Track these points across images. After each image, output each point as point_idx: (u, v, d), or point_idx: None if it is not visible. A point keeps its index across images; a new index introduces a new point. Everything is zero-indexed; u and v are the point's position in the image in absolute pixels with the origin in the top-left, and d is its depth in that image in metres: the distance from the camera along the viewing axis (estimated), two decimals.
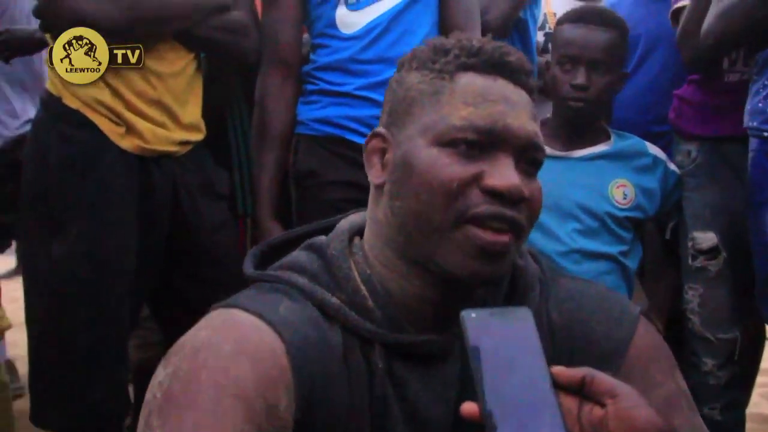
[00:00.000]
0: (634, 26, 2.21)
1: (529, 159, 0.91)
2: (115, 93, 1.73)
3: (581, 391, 0.74)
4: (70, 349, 1.72)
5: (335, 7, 1.87)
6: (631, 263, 1.87)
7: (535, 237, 1.81)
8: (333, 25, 1.88)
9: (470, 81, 0.91)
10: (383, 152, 0.96)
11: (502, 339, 0.74)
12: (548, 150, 1.83)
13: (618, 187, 1.84)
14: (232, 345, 0.83)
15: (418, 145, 0.90)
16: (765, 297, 1.78)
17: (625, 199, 1.84)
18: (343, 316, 0.92)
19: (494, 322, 0.75)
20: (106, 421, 1.78)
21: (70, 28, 1.66)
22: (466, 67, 0.92)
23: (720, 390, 1.99)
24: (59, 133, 1.73)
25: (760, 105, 1.76)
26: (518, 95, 0.92)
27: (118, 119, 1.73)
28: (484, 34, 1.97)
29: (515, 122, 0.89)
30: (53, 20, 1.71)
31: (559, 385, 0.73)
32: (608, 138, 1.91)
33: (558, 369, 0.74)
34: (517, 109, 0.90)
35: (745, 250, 1.96)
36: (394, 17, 1.85)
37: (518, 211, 0.88)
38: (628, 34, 1.91)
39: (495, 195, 0.86)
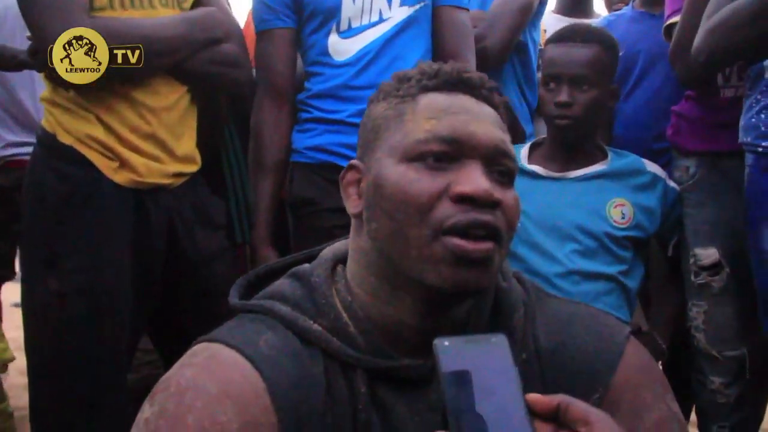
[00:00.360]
0: (632, 43, 2.22)
1: (499, 167, 0.91)
2: (108, 128, 1.74)
3: (557, 418, 0.73)
4: (69, 382, 1.72)
5: (327, 35, 1.89)
6: (632, 283, 1.85)
7: (534, 258, 1.80)
8: (326, 52, 1.90)
9: (432, 99, 0.93)
10: (359, 182, 0.97)
11: (477, 366, 0.72)
12: (544, 171, 1.86)
13: (616, 207, 1.83)
14: (217, 387, 0.84)
15: (387, 165, 0.91)
16: (767, 314, 1.76)
17: (623, 218, 1.83)
18: (325, 343, 0.92)
19: (469, 349, 0.74)
20: None
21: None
22: (427, 89, 0.94)
23: (729, 408, 1.96)
24: (54, 169, 1.74)
25: (753, 120, 1.74)
26: (481, 108, 0.94)
27: (111, 154, 1.74)
28: (482, 60, 2.02)
29: (479, 129, 0.90)
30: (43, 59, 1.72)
31: (534, 413, 0.72)
32: (605, 157, 1.90)
33: (533, 396, 0.73)
34: (480, 119, 0.92)
35: (749, 266, 1.94)
36: (385, 43, 1.86)
37: (494, 216, 0.88)
38: (615, 48, 1.91)
39: (465, 201, 0.86)
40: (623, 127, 2.26)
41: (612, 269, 1.81)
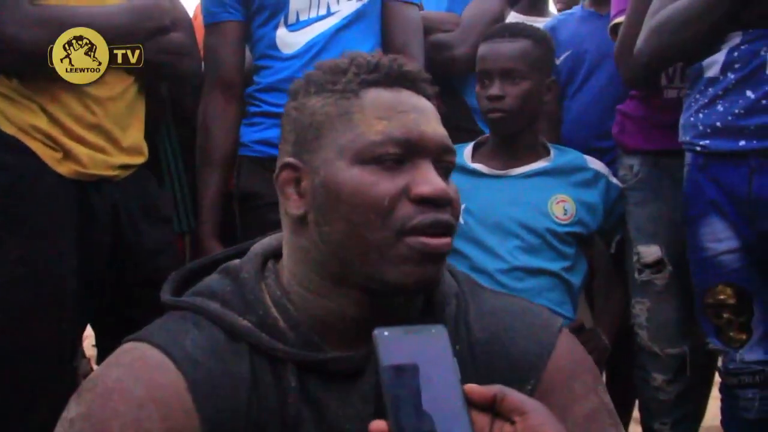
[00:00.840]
0: (580, 43, 2.25)
1: (443, 163, 0.93)
2: (52, 118, 1.72)
3: (493, 408, 0.74)
4: (12, 373, 1.70)
5: (276, 27, 1.90)
6: (575, 279, 1.86)
7: (477, 255, 1.81)
8: (274, 46, 1.91)
9: (377, 96, 0.93)
10: (297, 182, 0.95)
11: (415, 357, 0.73)
12: (487, 169, 1.88)
13: (558, 203, 1.85)
14: (142, 390, 0.86)
15: (339, 167, 0.90)
16: (703, 312, 1.78)
17: (565, 214, 1.84)
18: (255, 339, 0.92)
19: (408, 340, 0.75)
20: None
21: (6, 57, 1.66)
22: (368, 84, 0.93)
23: (671, 405, 1.99)
24: None
25: (691, 119, 1.76)
26: (423, 103, 0.95)
27: (55, 145, 1.72)
28: (450, 68, 2.06)
29: (428, 129, 0.92)
30: None
31: (471, 403, 0.73)
32: (548, 153, 1.91)
33: (470, 387, 0.74)
34: (426, 116, 0.93)
35: None
36: (333, 36, 1.87)
37: (446, 211, 0.90)
38: (547, 42, 1.93)
39: (426, 202, 0.88)
40: (569, 126, 2.28)
41: (555, 265, 1.83)
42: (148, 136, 1.92)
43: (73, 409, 0.86)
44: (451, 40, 2.13)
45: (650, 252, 1.96)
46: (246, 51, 1.99)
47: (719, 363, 1.87)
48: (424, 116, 0.93)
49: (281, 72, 1.89)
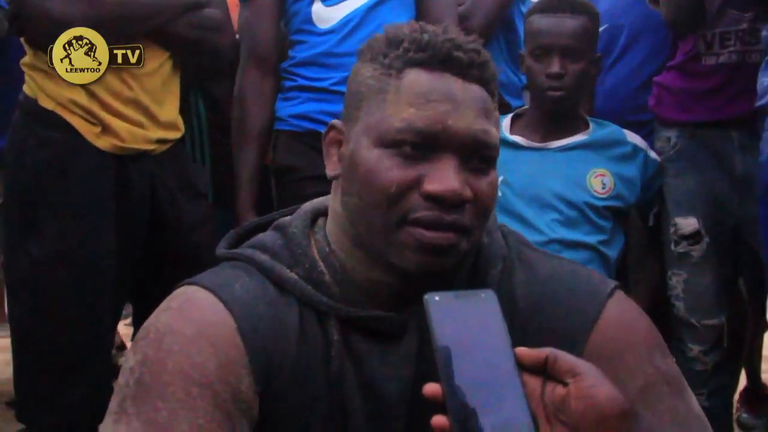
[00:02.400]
0: (617, 17, 2.22)
1: (477, 158, 0.89)
2: (91, 93, 1.73)
3: (545, 371, 0.74)
4: (51, 349, 1.72)
5: (311, 2, 1.88)
6: (612, 252, 1.85)
7: (514, 227, 1.76)
8: (309, 20, 1.90)
9: (415, 79, 0.89)
10: (339, 144, 0.96)
11: (466, 321, 0.74)
12: (526, 142, 1.87)
13: (596, 177, 1.84)
14: (192, 328, 0.87)
15: (363, 145, 0.90)
16: None
17: (603, 188, 1.84)
18: (300, 290, 0.93)
19: (458, 305, 0.75)
20: (89, 420, 1.78)
21: (41, 30, 1.67)
22: (413, 63, 0.90)
23: (707, 376, 1.98)
24: (35, 134, 1.73)
25: None
26: (466, 92, 0.89)
27: (93, 119, 1.73)
28: None
29: (458, 123, 0.87)
30: (26, 24, 1.71)
31: (522, 366, 0.73)
32: (587, 127, 1.90)
33: (521, 350, 0.73)
34: (461, 108, 0.88)
35: (728, 235, 1.96)
36: (369, 10, 1.85)
37: (460, 213, 0.87)
38: (599, 19, 1.90)
39: (434, 200, 0.86)
40: (602, 99, 2.25)
41: (592, 239, 1.82)
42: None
43: (131, 358, 0.88)
44: (464, 11, 2.10)
45: (688, 223, 1.95)
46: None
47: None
48: (458, 108, 0.88)
49: (317, 47, 1.88)
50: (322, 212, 1.01)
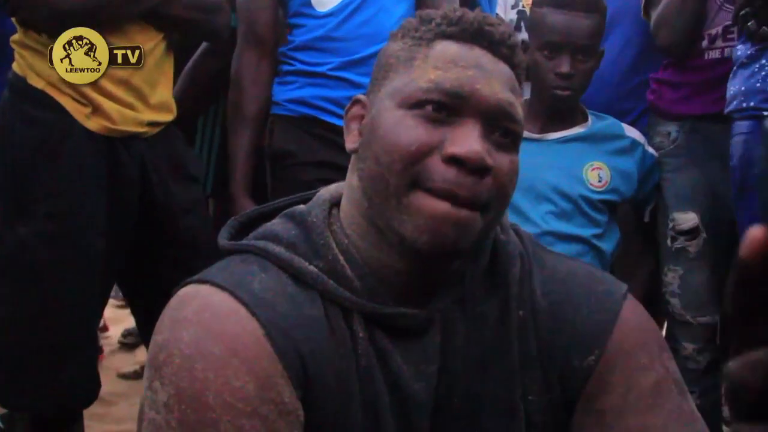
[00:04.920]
0: None
1: (502, 129, 0.87)
2: None
3: None
4: (38, 330, 1.70)
5: None
6: (606, 246, 1.84)
7: (509, 218, 1.79)
8: (308, 3, 1.88)
9: (445, 48, 0.89)
10: (362, 118, 0.94)
11: None
12: (524, 132, 1.83)
13: (593, 170, 1.82)
14: (220, 347, 0.81)
15: (386, 107, 0.88)
16: None
17: (600, 181, 1.81)
18: (322, 285, 0.88)
19: None
20: (77, 402, 1.77)
21: (39, 14, 1.65)
22: (444, 35, 0.90)
23: (699, 374, 1.97)
24: (24, 113, 1.70)
25: (758, 85, 1.71)
26: (495, 65, 0.88)
27: (83, 99, 1.71)
28: None
29: (485, 88, 0.86)
30: (25, 9, 1.68)
31: None
32: (586, 120, 1.88)
33: None
34: (489, 77, 0.87)
35: (726, 232, 1.94)
36: None
37: (479, 182, 0.84)
38: (606, 12, 1.87)
39: (454, 162, 0.83)
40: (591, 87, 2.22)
41: (586, 232, 1.80)
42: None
43: (160, 390, 0.81)
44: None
45: (687, 218, 1.93)
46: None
47: None
48: (486, 76, 0.86)
49: (315, 30, 1.85)
50: (337, 202, 0.96)
